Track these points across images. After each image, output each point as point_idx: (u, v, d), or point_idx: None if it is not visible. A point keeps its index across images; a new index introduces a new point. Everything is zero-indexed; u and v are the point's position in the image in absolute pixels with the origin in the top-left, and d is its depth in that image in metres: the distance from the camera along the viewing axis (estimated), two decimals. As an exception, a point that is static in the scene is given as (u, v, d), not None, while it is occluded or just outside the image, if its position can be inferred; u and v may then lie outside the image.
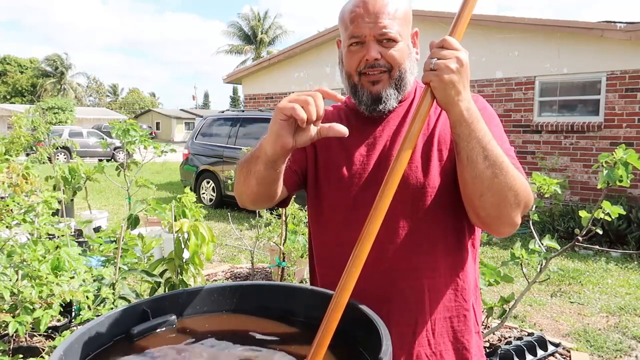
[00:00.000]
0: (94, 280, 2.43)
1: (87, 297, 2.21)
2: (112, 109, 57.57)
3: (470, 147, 0.95)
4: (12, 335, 2.18)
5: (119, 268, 2.48)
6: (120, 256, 2.53)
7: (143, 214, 2.80)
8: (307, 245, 1.29)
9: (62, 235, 2.77)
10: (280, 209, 3.78)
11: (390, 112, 1.15)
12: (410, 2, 1.16)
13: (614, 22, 7.06)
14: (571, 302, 4.41)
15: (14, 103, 48.39)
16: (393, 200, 0.89)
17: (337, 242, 1.15)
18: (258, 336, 0.98)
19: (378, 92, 1.10)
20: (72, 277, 2.23)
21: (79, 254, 2.60)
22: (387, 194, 0.90)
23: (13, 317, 2.08)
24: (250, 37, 44.33)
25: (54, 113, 29.06)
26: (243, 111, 9.82)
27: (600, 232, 2.70)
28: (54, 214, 3.04)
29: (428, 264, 1.10)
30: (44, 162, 6.15)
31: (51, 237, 2.90)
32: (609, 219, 2.61)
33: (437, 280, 1.10)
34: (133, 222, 2.88)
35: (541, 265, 2.90)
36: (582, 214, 2.68)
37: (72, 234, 2.97)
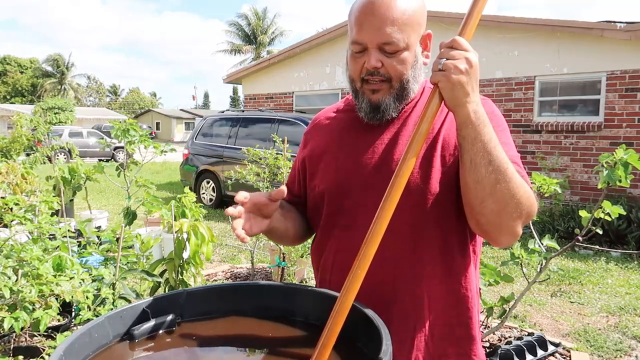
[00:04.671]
0: (94, 280, 2.43)
1: (87, 297, 2.21)
2: (112, 109, 57.59)
3: (475, 150, 0.93)
4: (9, 332, 2.18)
5: (119, 268, 2.48)
6: (121, 256, 2.53)
7: (143, 214, 2.80)
8: (310, 250, 1.28)
9: (63, 236, 2.77)
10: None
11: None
12: (424, 4, 1.11)
13: (614, 22, 7.06)
14: (571, 302, 4.41)
15: (14, 103, 48.41)
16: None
17: (339, 248, 1.14)
18: (258, 336, 0.98)
19: (377, 101, 1.08)
20: (72, 277, 2.23)
21: (78, 249, 2.60)
22: (394, 195, 0.89)
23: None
24: (250, 37, 44.34)
25: (55, 113, 29.10)
26: (243, 111, 9.83)
27: (600, 232, 2.70)
28: (54, 214, 3.05)
29: (429, 271, 1.08)
30: (44, 162, 6.15)
31: (51, 237, 2.90)
32: (609, 219, 2.61)
33: (437, 287, 1.08)
34: (130, 216, 2.87)
35: (541, 265, 2.91)
36: (582, 213, 2.68)
37: (73, 233, 2.96)
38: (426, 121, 0.92)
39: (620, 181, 2.41)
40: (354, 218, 1.10)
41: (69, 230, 2.79)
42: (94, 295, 2.30)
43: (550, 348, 3.29)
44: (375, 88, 1.08)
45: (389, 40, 1.03)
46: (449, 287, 1.10)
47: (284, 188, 1.05)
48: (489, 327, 3.27)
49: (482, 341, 1.20)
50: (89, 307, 2.28)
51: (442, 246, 1.08)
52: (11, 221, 2.60)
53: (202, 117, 10.23)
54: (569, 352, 3.37)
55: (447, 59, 0.90)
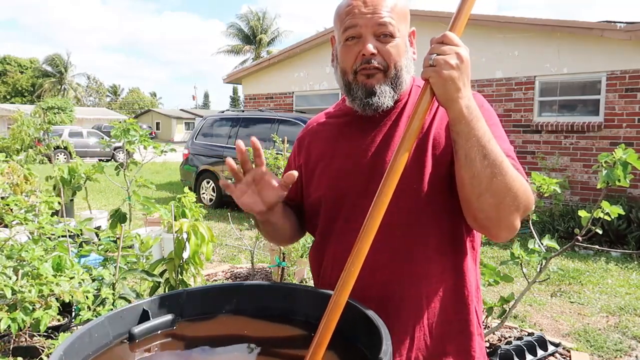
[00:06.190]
0: (94, 280, 2.43)
1: (87, 297, 2.21)
2: (112, 109, 57.58)
3: (469, 145, 0.93)
4: (8, 332, 2.18)
5: (119, 268, 2.48)
6: (121, 256, 2.53)
7: (142, 214, 2.81)
8: (309, 255, 1.28)
9: (62, 236, 2.77)
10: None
11: (383, 114, 1.12)
12: (408, 2, 1.13)
13: (614, 22, 7.06)
14: (571, 302, 4.41)
15: (14, 103, 48.38)
16: (387, 207, 0.89)
17: (338, 249, 1.14)
18: (258, 337, 0.98)
19: (372, 85, 1.07)
20: (72, 277, 2.24)
21: (76, 248, 2.60)
22: (386, 192, 0.89)
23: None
24: (250, 37, 44.32)
25: (54, 113, 29.11)
26: (243, 111, 9.83)
27: (600, 232, 2.70)
28: (53, 214, 3.05)
29: (425, 269, 1.07)
30: (44, 162, 6.16)
31: (50, 236, 2.90)
32: (609, 219, 2.61)
33: (434, 286, 1.08)
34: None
35: (541, 265, 2.91)
36: (582, 213, 2.68)
37: (72, 234, 2.97)
38: (418, 118, 0.91)
39: (619, 181, 2.41)
40: (353, 222, 1.09)
41: (68, 230, 2.79)
42: (94, 295, 2.30)
43: (550, 348, 3.29)
44: (370, 73, 1.07)
45: (383, 20, 1.05)
46: (446, 285, 1.09)
47: (294, 173, 1.00)
48: (489, 327, 3.27)
49: (484, 340, 1.20)
50: (89, 307, 2.28)
51: (437, 244, 1.08)
52: (12, 221, 2.60)
53: (202, 117, 10.24)
54: (569, 352, 3.37)
55: (438, 55, 0.89)
